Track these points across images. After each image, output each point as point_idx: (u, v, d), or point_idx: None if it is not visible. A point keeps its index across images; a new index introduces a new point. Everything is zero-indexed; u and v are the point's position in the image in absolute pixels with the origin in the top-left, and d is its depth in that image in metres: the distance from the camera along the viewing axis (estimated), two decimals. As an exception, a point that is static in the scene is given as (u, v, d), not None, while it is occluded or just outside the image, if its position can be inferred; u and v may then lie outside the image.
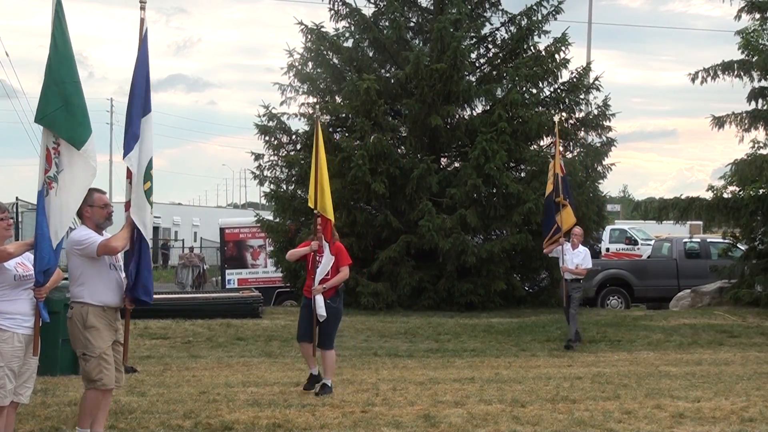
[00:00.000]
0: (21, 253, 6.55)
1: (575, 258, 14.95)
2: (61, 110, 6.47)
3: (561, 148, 15.60)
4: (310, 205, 10.22)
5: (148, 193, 7.10)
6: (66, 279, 7.21)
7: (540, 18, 21.99)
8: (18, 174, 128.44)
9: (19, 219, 21.12)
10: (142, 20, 7.23)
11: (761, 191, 21.51)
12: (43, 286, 6.48)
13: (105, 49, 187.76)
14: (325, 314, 9.86)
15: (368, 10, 22.28)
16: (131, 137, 7.07)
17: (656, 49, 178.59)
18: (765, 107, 21.97)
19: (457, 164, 22.02)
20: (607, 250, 34.15)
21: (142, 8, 7.25)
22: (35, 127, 6.70)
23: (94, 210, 6.97)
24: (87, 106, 6.68)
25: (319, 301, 9.87)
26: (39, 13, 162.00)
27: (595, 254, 26.60)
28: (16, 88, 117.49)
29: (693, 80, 22.42)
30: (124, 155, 7.08)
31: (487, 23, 22.52)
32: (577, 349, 14.81)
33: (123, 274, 7.08)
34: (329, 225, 10.02)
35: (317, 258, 9.98)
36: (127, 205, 7.10)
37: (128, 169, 7.13)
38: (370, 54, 22.57)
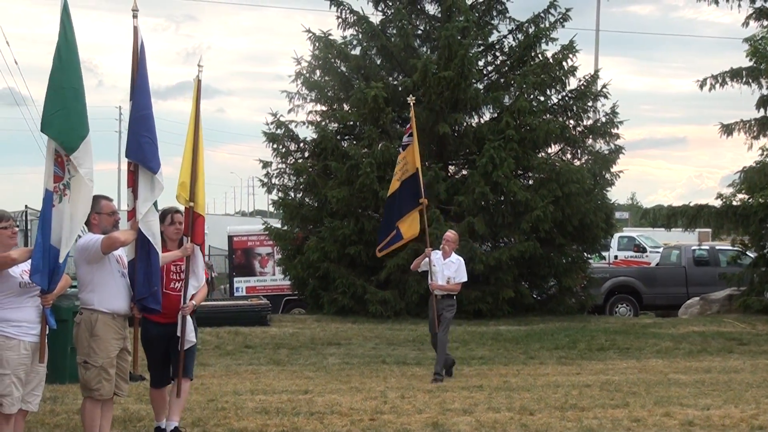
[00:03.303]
0: (25, 260, 6.55)
1: (446, 270, 12.21)
2: (57, 115, 6.49)
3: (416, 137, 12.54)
4: (182, 194, 7.73)
5: (156, 204, 7.19)
6: (74, 287, 7.22)
7: (547, 25, 22.00)
8: (27, 182, 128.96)
9: (28, 227, 21.12)
10: (136, 29, 7.25)
11: (770, 198, 21.47)
12: (50, 293, 6.48)
13: (114, 57, 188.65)
14: (195, 339, 7.84)
15: (376, 18, 22.35)
16: (157, 150, 7.15)
17: (666, 56, 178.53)
18: (774, 114, 21.94)
19: (464, 172, 22.01)
20: (616, 257, 34.11)
21: (135, 16, 7.27)
22: (44, 135, 6.70)
23: (101, 217, 7.01)
24: (85, 114, 6.67)
25: (191, 323, 7.71)
26: (49, 21, 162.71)
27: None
28: (24, 95, 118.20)
29: (701, 87, 22.43)
30: (156, 171, 7.12)
31: (494, 31, 22.54)
32: (585, 357, 14.74)
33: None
34: (202, 222, 7.86)
35: (189, 267, 7.71)
36: (131, 214, 7.13)
37: (129, 177, 7.18)
38: (378, 62, 22.60)
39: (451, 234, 12.59)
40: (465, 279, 12.42)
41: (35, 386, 6.67)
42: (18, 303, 6.49)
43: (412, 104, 13.23)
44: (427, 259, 12.26)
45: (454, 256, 12.36)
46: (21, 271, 6.53)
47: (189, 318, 7.66)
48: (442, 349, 12.14)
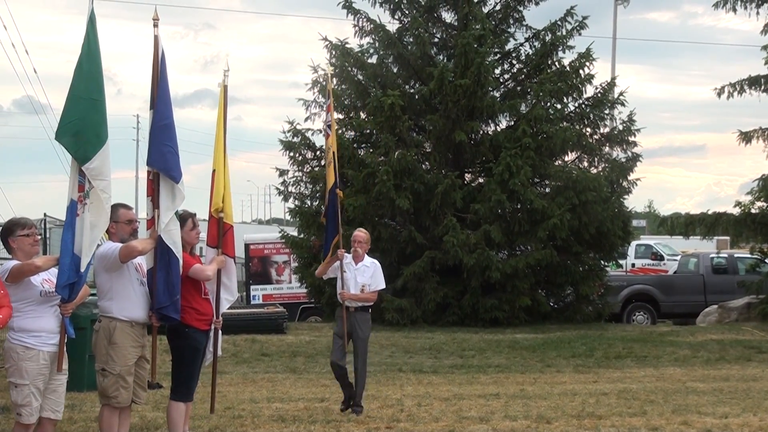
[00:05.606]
0: (48, 268, 6.58)
1: (360, 276, 10.09)
2: (71, 125, 6.51)
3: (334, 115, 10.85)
4: (217, 205, 7.76)
5: (177, 213, 7.21)
6: (93, 295, 7.25)
7: (564, 33, 21.99)
8: (46, 190, 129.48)
9: (47, 235, 21.23)
10: (157, 38, 7.25)
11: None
12: (70, 302, 6.51)
13: (132, 66, 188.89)
14: (221, 352, 7.96)
15: (392, 27, 22.38)
16: (178, 160, 7.18)
17: (685, 64, 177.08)
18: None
19: (481, 180, 21.98)
20: (633, 265, 33.98)
21: (156, 25, 7.27)
22: (65, 144, 6.71)
23: (119, 226, 7.01)
24: (103, 125, 6.65)
25: (220, 336, 7.84)
26: (69, 30, 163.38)
27: None
28: (43, 103, 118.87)
29: (719, 95, 22.41)
30: (178, 180, 7.15)
31: (511, 39, 22.57)
32: (603, 365, 14.68)
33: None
34: (232, 233, 8.01)
35: (220, 280, 7.77)
36: (150, 223, 7.15)
37: (149, 185, 7.20)
38: (395, 70, 22.62)
39: (361, 234, 10.47)
40: (383, 286, 10.35)
41: (59, 394, 6.71)
42: (38, 312, 6.52)
43: (329, 75, 11.66)
44: (337, 263, 10.08)
45: (368, 260, 10.33)
46: (42, 279, 6.56)
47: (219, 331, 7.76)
48: (362, 378, 9.89)
